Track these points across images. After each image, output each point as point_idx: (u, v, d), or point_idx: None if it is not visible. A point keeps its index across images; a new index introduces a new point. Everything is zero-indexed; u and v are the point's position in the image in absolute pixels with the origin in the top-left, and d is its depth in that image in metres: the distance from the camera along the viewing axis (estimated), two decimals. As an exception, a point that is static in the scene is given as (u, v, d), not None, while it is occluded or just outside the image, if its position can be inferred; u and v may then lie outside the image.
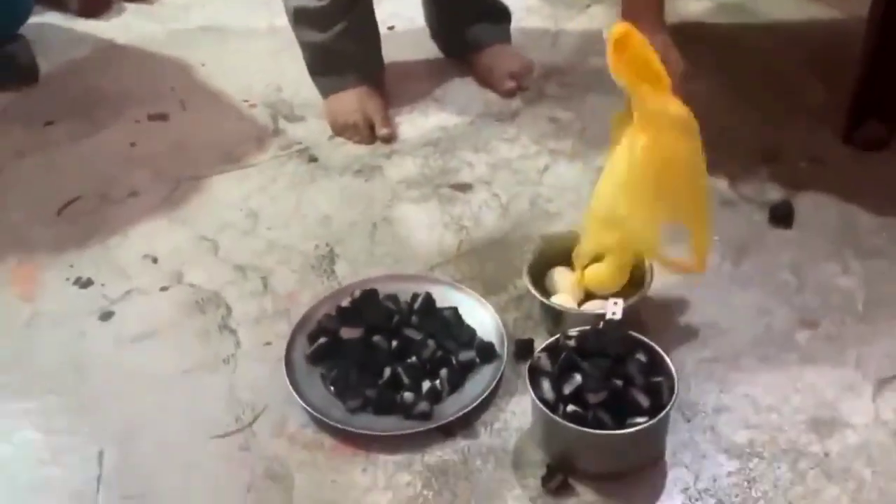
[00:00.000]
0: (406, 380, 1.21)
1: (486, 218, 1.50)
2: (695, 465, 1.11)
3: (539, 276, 1.30)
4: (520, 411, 1.19)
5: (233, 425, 1.19)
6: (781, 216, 1.42)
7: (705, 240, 1.22)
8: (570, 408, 1.08)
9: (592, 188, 1.52)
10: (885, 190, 1.47)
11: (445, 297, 1.32)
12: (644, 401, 1.08)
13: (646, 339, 1.14)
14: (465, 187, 1.56)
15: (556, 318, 1.26)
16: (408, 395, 1.19)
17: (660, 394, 1.09)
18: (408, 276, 1.38)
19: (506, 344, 1.25)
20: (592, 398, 1.08)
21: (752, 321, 1.28)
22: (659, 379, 1.09)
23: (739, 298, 1.31)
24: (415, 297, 1.31)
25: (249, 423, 1.20)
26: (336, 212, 1.53)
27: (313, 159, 1.66)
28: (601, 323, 1.16)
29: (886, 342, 1.23)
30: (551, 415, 1.07)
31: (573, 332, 1.15)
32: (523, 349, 1.26)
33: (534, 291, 1.26)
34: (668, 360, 1.12)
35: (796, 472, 1.09)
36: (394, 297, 1.32)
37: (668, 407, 1.07)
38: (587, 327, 1.16)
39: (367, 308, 1.29)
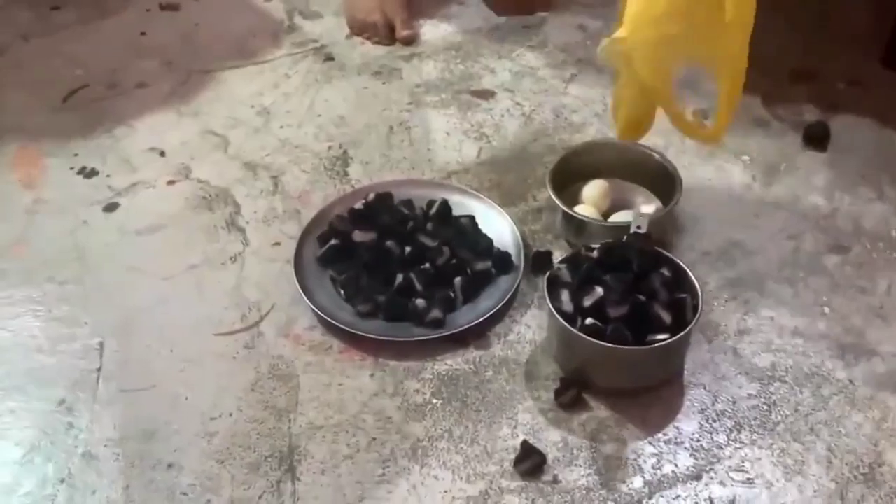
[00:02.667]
0: (419, 286, 1.17)
1: (507, 126, 1.44)
2: (714, 386, 1.07)
3: (562, 187, 1.25)
4: (535, 325, 1.15)
5: (238, 323, 1.16)
6: (816, 137, 1.36)
7: (730, 98, 1.06)
8: (589, 321, 1.03)
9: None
10: (925, 115, 1.40)
11: (463, 204, 1.27)
12: (666, 317, 1.03)
13: (670, 255, 1.10)
14: (486, 94, 1.50)
15: (578, 229, 1.21)
16: (420, 302, 1.15)
17: (683, 311, 1.04)
18: (424, 182, 1.33)
19: (523, 255, 1.20)
20: (613, 312, 1.03)
21: (780, 243, 1.23)
22: (683, 296, 1.05)
23: (768, 220, 1.26)
24: (430, 203, 1.26)
25: (256, 323, 1.16)
26: (351, 113, 1.47)
27: (329, 58, 1.59)
28: (625, 236, 1.11)
29: (919, 271, 1.19)
30: (569, 327, 1.03)
31: (596, 244, 1.11)
32: (542, 261, 1.21)
33: (557, 200, 1.21)
34: (692, 277, 1.07)
35: (819, 397, 1.05)
36: (409, 203, 1.27)
37: (692, 324, 1.03)
38: (610, 240, 1.11)
39: (381, 211, 1.25)
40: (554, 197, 1.21)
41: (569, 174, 1.27)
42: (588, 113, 1.44)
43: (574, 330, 1.03)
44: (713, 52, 1.04)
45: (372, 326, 1.15)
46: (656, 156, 1.26)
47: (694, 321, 1.03)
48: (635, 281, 1.06)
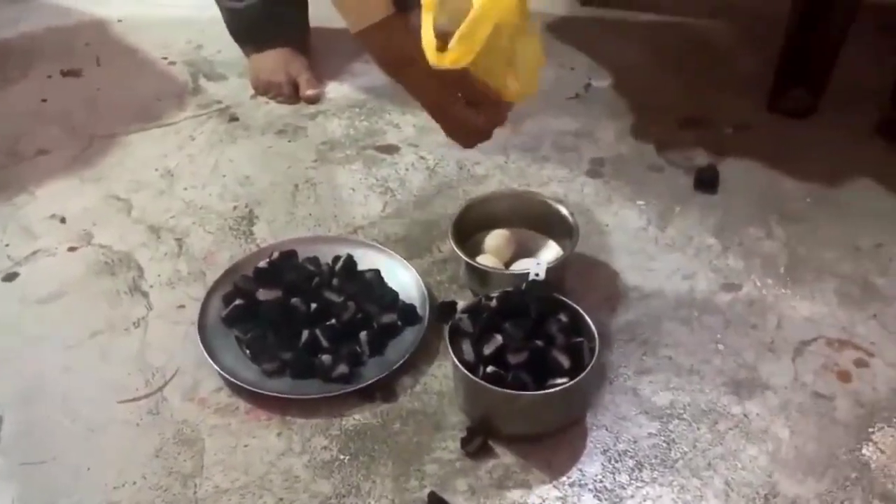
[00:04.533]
0: (325, 342, 1.17)
1: (412, 180, 1.46)
2: (615, 426, 1.10)
3: (465, 238, 1.27)
4: (441, 374, 1.16)
5: (142, 389, 1.15)
6: (707, 181, 1.41)
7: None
8: (490, 368, 1.05)
9: (520, 151, 1.51)
10: (808, 156, 1.47)
11: (368, 259, 1.29)
12: (565, 361, 1.06)
13: (568, 301, 1.13)
14: (391, 149, 1.53)
15: (481, 279, 1.24)
16: (326, 358, 1.16)
17: (581, 354, 1.07)
18: (329, 238, 1.34)
19: (428, 306, 1.22)
20: (513, 359, 1.06)
21: (675, 284, 1.27)
22: (580, 340, 1.08)
23: (664, 262, 1.31)
24: (336, 258, 1.27)
25: (160, 388, 1.15)
26: (257, 172, 1.49)
27: (234, 118, 1.60)
28: (524, 284, 1.14)
29: (807, 304, 1.24)
30: (471, 376, 1.05)
31: (495, 293, 1.13)
32: (446, 311, 1.22)
33: (459, 252, 1.23)
34: (589, 321, 1.10)
35: (716, 433, 1.09)
36: (314, 260, 1.28)
37: (588, 367, 1.05)
38: (510, 288, 1.14)
39: (286, 269, 1.25)
40: (456, 248, 1.24)
41: (471, 225, 1.30)
42: (490, 165, 1.48)
43: (476, 379, 1.05)
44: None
45: (278, 385, 1.15)
46: (555, 204, 1.29)
47: (591, 364, 1.06)
48: (534, 327, 1.09)
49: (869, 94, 1.54)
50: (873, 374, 1.15)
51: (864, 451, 1.06)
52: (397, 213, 1.40)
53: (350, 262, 1.27)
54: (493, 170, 1.47)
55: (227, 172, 1.49)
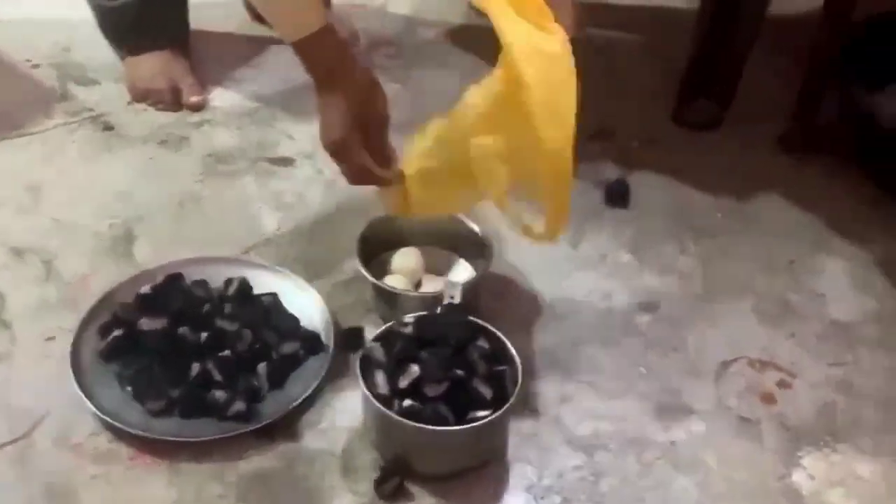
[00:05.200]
0: (218, 376, 1.05)
1: (309, 195, 1.36)
2: (539, 459, 1.02)
3: (371, 257, 1.18)
4: (349, 408, 1.06)
5: (6, 436, 1.00)
6: (617, 195, 1.36)
7: (556, 213, 1.04)
8: (407, 402, 0.96)
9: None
10: (716, 169, 1.45)
11: (264, 282, 1.17)
12: (487, 392, 0.98)
13: (487, 325, 1.05)
14: (285, 161, 1.41)
15: (390, 301, 1.14)
16: (220, 394, 1.04)
17: (503, 384, 0.99)
18: (220, 259, 1.22)
19: (333, 333, 1.12)
20: (431, 391, 0.97)
21: (592, 305, 1.21)
22: (502, 368, 1.00)
23: (579, 280, 1.25)
24: (228, 282, 1.16)
25: (26, 434, 1.01)
26: (135, 187, 1.35)
27: (108, 127, 1.46)
28: (439, 307, 1.05)
29: (726, 323, 1.20)
30: (386, 411, 0.96)
31: (409, 318, 1.04)
32: (352, 338, 1.13)
33: (365, 273, 1.14)
34: (510, 347, 1.03)
35: (643, 463, 1.03)
36: (203, 283, 1.15)
37: (513, 398, 0.98)
38: (423, 312, 1.05)
39: (172, 295, 1.13)
40: (362, 269, 1.14)
41: (378, 243, 1.20)
42: (391, 178, 1.39)
43: (391, 414, 0.95)
44: (532, 174, 1.00)
45: (166, 426, 1.02)
46: (466, 221, 1.22)
47: (514, 394, 0.98)
48: (453, 355, 1.00)
49: (773, 107, 1.53)
50: (796, 396, 1.11)
51: (794, 477, 1.02)
52: (295, 231, 1.30)
53: (244, 285, 1.15)
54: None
55: (102, 187, 1.34)
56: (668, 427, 1.07)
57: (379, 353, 1.01)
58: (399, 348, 1.00)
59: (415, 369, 0.98)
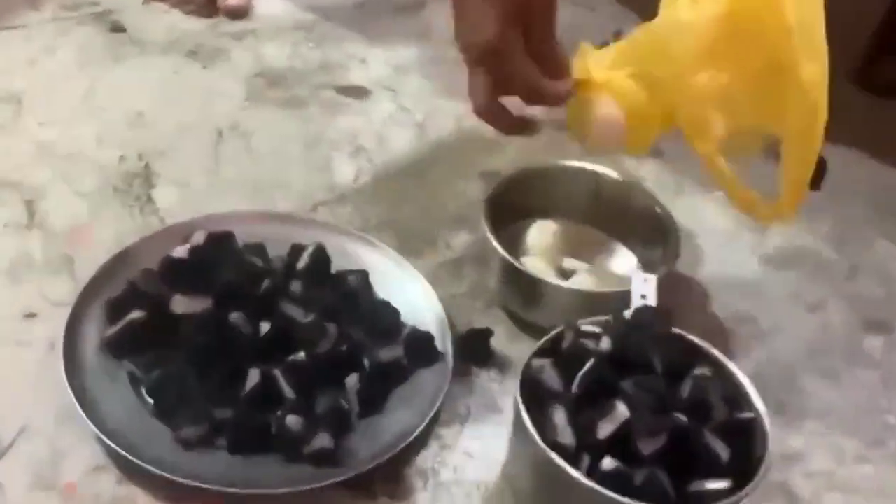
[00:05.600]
0: (288, 391, 0.70)
1: (394, 139, 0.99)
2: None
3: (496, 228, 0.82)
4: (481, 450, 0.71)
5: (-45, 469, 0.63)
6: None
7: (802, 167, 0.74)
8: (609, 463, 0.61)
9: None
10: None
11: (346, 253, 0.81)
12: (723, 451, 0.63)
13: (706, 345, 0.70)
14: (359, 92, 1.05)
15: (528, 293, 0.79)
16: (292, 421, 0.68)
17: (748, 440, 0.64)
18: (281, 216, 0.86)
19: (448, 336, 0.76)
20: (645, 446, 0.62)
21: (799, 317, 0.87)
22: (748, 416, 0.65)
23: (775, 283, 0.90)
24: (296, 249, 0.79)
25: (-11, 466, 0.64)
26: (155, 108, 0.98)
27: (118, 28, 1.08)
28: (628, 311, 0.70)
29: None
30: (576, 474, 0.60)
31: (592, 323, 0.69)
32: (477, 345, 0.78)
33: (500, 249, 0.78)
34: (744, 380, 0.68)
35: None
36: (259, 249, 0.79)
37: (764, 463, 0.63)
38: (605, 318, 0.70)
39: (218, 263, 0.76)
40: (494, 242, 0.79)
41: (505, 210, 0.85)
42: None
43: (586, 481, 0.60)
44: (775, 119, 0.73)
45: (207, 465, 0.66)
46: (642, 192, 0.87)
47: (765, 456, 0.64)
48: (669, 391, 0.65)
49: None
50: None
51: None
52: (377, 186, 0.93)
53: (321, 256, 0.79)
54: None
55: (109, 105, 0.97)
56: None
57: (552, 375, 0.66)
58: (588, 372, 0.64)
59: (621, 411, 0.62)
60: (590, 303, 0.77)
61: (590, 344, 0.67)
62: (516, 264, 0.78)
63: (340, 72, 1.07)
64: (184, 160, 0.92)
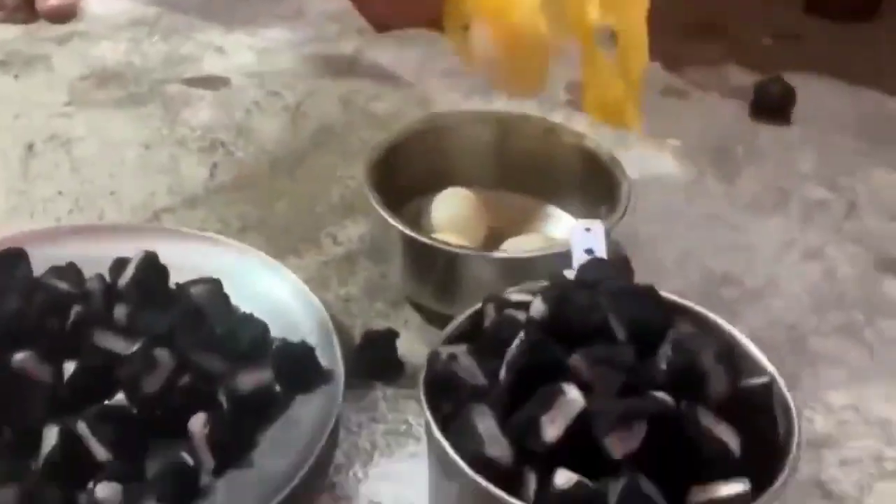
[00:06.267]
0: (100, 452, 0.48)
1: (260, 128, 0.79)
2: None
3: (390, 205, 0.62)
4: (391, 496, 0.50)
5: None
6: (773, 104, 0.84)
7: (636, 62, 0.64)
8: (563, 478, 0.40)
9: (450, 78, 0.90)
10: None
11: (191, 263, 0.60)
12: (730, 438, 0.42)
13: (681, 300, 0.50)
14: (213, 82, 0.85)
15: (446, 274, 0.59)
16: (106, 492, 0.46)
17: (762, 417, 0.44)
18: (106, 228, 0.65)
19: (337, 347, 0.55)
20: (617, 445, 0.41)
21: (796, 269, 0.68)
22: (760, 382, 0.45)
23: (758, 232, 0.71)
24: (119, 265, 0.58)
25: None
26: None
27: None
28: (574, 267, 0.50)
29: None
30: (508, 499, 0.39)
31: (520, 290, 0.48)
32: (377, 353, 0.57)
33: (393, 221, 0.58)
34: (741, 336, 0.48)
35: None
36: (70, 270, 0.58)
37: (792, 456, 0.43)
38: (539, 283, 0.49)
39: (6, 288, 0.55)
40: (384, 212, 0.59)
41: (400, 181, 0.65)
42: (400, 98, 0.84)
43: (524, 508, 0.39)
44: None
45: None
46: (564, 133, 0.67)
47: (793, 440, 0.43)
48: (639, 360, 0.44)
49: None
50: None
51: None
52: (241, 183, 0.73)
53: (152, 267, 0.58)
54: (406, 106, 0.83)
55: None
56: None
57: (469, 366, 0.45)
58: (519, 350, 0.44)
59: (573, 397, 0.41)
60: (525, 274, 0.57)
61: (520, 316, 0.46)
62: (420, 238, 0.58)
63: (191, 63, 0.87)
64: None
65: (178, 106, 0.81)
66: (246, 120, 0.80)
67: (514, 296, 0.48)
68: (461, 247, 0.59)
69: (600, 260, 0.51)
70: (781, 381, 0.45)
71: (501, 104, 0.83)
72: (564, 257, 0.52)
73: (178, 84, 0.84)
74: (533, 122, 0.68)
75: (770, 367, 0.46)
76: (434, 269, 0.59)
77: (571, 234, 0.53)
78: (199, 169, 0.74)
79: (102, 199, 0.70)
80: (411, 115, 0.79)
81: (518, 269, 0.57)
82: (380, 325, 0.60)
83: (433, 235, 0.61)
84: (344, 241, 0.67)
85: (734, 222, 0.72)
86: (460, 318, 0.48)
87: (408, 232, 0.58)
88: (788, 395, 0.45)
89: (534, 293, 0.47)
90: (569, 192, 0.67)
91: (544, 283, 0.48)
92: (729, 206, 0.73)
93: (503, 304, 0.47)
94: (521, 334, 0.43)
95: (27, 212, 0.68)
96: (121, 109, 0.80)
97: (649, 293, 0.47)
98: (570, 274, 0.49)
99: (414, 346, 0.59)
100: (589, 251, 0.52)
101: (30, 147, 0.75)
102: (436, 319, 0.60)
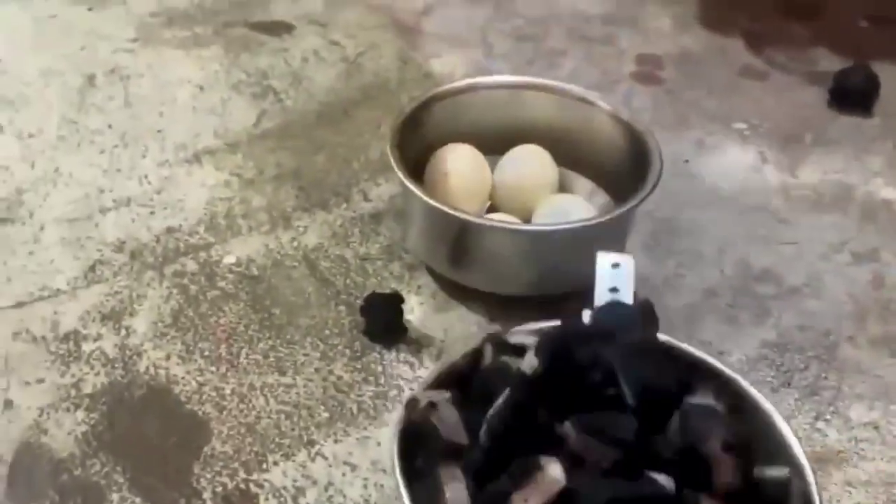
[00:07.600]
0: None
1: (314, 78, 0.79)
2: None
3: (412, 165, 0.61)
4: (368, 459, 0.49)
5: None
6: (855, 94, 0.78)
7: None
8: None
9: (512, 41, 0.87)
10: None
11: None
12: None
13: (710, 359, 0.46)
14: (277, 28, 0.85)
15: (457, 243, 0.57)
16: None
17: None
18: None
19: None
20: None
21: (844, 271, 0.63)
22: (776, 474, 0.41)
23: (812, 230, 0.66)
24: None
25: None
26: (16, 53, 0.79)
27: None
28: (584, 313, 0.45)
29: None
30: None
31: (521, 332, 0.45)
32: (378, 315, 0.57)
33: (410, 184, 0.57)
34: (771, 409, 0.44)
35: None
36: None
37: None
38: (538, 326, 0.45)
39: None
40: (402, 174, 0.57)
41: (429, 142, 0.63)
42: (458, 61, 0.82)
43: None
44: None
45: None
46: (607, 110, 0.64)
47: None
48: (641, 435, 0.40)
49: None
50: None
51: None
52: (285, 132, 0.73)
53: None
54: (463, 67, 0.81)
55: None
56: None
57: (450, 417, 0.41)
58: (500, 410, 0.40)
59: (552, 474, 0.38)
60: (545, 250, 0.55)
61: (515, 364, 0.43)
62: (434, 203, 0.57)
63: (259, 7, 0.87)
64: (37, 109, 0.73)
65: (238, 49, 0.81)
66: (302, 68, 0.80)
67: (515, 337, 0.45)
68: (474, 215, 0.57)
69: (621, 305, 0.45)
70: (808, 468, 0.41)
71: (564, 72, 0.81)
72: (579, 232, 0.50)
73: (243, 28, 0.84)
74: (570, 93, 0.65)
75: (796, 450, 0.42)
76: (447, 236, 0.58)
77: (596, 266, 0.47)
78: (248, 114, 0.74)
79: (149, 135, 0.71)
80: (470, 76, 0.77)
81: (533, 240, 0.56)
82: (394, 287, 0.59)
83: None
84: (374, 199, 0.67)
85: (785, 215, 0.67)
86: (449, 360, 0.46)
87: (421, 195, 0.57)
88: (814, 488, 0.40)
89: (539, 336, 0.42)
90: (602, 166, 0.64)
91: (552, 325, 0.45)
92: (784, 197, 0.69)
93: (501, 346, 0.44)
94: (506, 392, 0.40)
95: (74, 142, 0.70)
96: (183, 49, 0.81)
97: (667, 353, 0.43)
98: (586, 314, 0.45)
99: (424, 311, 0.58)
100: (614, 290, 0.47)
101: (90, 79, 0.77)
102: (449, 288, 0.59)
